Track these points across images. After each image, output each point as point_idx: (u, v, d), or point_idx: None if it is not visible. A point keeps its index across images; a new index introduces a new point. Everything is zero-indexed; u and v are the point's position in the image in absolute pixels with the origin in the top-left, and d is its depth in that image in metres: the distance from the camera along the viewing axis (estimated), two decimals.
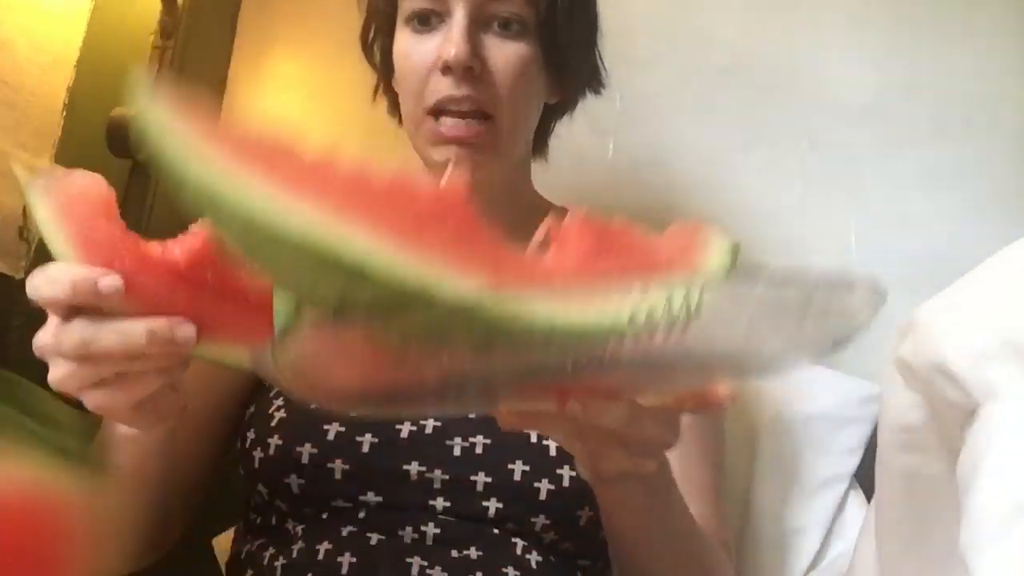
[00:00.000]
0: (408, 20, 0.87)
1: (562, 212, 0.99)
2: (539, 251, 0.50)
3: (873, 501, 0.63)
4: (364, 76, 0.98)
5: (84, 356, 0.53)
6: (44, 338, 0.55)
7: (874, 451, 0.62)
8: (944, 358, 0.50)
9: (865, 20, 1.25)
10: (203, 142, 0.41)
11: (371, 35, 0.95)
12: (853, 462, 1.06)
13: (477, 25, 0.84)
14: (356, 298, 0.40)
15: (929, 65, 1.23)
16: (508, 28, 0.85)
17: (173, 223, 0.67)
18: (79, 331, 0.52)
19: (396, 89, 0.93)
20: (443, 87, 0.84)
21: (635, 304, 0.40)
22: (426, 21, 0.85)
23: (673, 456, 0.70)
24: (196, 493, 0.88)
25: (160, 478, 0.79)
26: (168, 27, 1.28)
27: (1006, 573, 0.42)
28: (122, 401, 0.56)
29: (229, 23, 1.41)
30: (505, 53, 0.85)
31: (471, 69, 0.83)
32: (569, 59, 0.90)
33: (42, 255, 1.24)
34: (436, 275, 0.39)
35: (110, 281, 0.51)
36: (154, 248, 0.54)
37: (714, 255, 0.52)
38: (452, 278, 0.39)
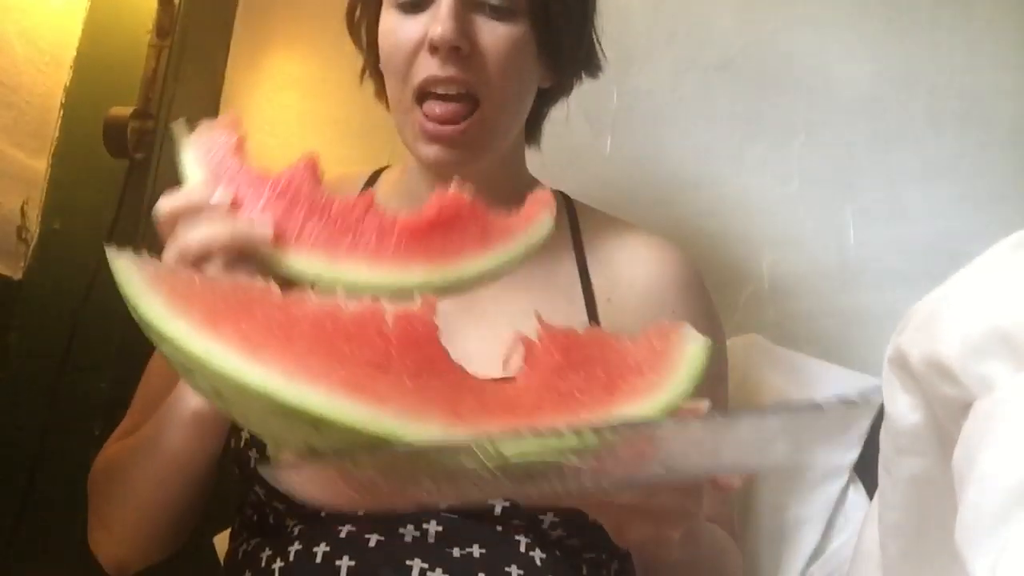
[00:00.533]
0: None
1: (557, 197, 0.99)
2: (510, 366, 0.53)
3: (875, 500, 0.63)
4: (372, 79, 0.97)
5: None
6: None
7: (874, 444, 0.62)
8: (938, 353, 0.50)
9: (861, 13, 1.25)
10: (175, 305, 0.47)
11: (357, 14, 0.93)
12: (853, 455, 1.06)
13: (467, 5, 0.82)
14: (320, 445, 0.44)
15: (925, 58, 1.23)
16: (499, 9, 0.82)
17: None
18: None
19: (383, 72, 0.90)
20: (429, 67, 0.81)
21: (590, 433, 0.42)
22: (415, 1, 0.83)
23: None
24: (211, 484, 0.87)
25: (210, 466, 0.80)
26: (164, 26, 1.28)
27: (1001, 564, 0.42)
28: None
29: (226, 22, 1.41)
30: (496, 34, 0.82)
31: (458, 49, 0.80)
32: (564, 41, 0.87)
33: (41, 256, 1.25)
34: (393, 423, 0.43)
35: (221, 197, 0.64)
36: (264, 173, 0.65)
37: (687, 359, 0.52)
38: (409, 424, 0.43)
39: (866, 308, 1.18)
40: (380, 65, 0.90)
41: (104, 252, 0.51)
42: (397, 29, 0.84)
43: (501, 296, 0.89)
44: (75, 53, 1.29)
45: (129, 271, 0.49)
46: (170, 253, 0.64)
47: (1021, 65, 1.20)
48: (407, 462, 0.43)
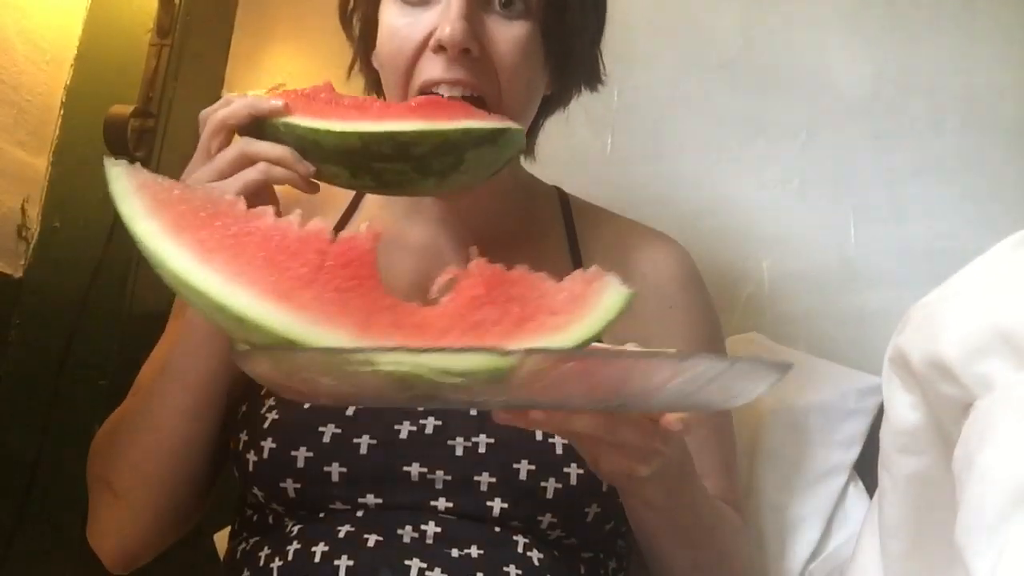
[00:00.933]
0: None
1: (552, 192, 0.99)
2: (443, 292, 0.57)
3: (875, 499, 0.63)
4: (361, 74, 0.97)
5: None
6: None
7: (874, 443, 0.62)
8: (939, 353, 0.50)
9: (861, 13, 1.25)
10: (152, 209, 0.55)
11: (351, 5, 0.90)
12: (853, 453, 1.06)
13: (478, 2, 0.78)
14: (248, 339, 0.52)
15: (926, 58, 1.23)
16: (511, 7, 0.79)
17: None
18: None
19: (376, 67, 0.87)
20: (434, 68, 0.78)
21: (453, 355, 0.47)
22: None
23: (692, 442, 0.72)
24: (217, 471, 0.87)
25: (219, 404, 0.81)
26: (165, 26, 1.28)
27: (1001, 564, 0.42)
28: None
29: (226, 21, 1.41)
30: (507, 36, 0.78)
31: (468, 51, 0.77)
32: (574, 48, 0.84)
33: (41, 254, 1.25)
34: (304, 329, 0.50)
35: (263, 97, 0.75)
36: (300, 91, 0.77)
37: (602, 305, 0.56)
38: (319, 332, 0.50)
39: (866, 308, 1.18)
40: (373, 59, 0.87)
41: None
42: (400, 24, 0.80)
43: None
44: (76, 52, 1.29)
45: (119, 177, 0.57)
46: (202, 137, 0.75)
47: (1021, 64, 1.20)
48: (310, 361, 0.50)
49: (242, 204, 0.57)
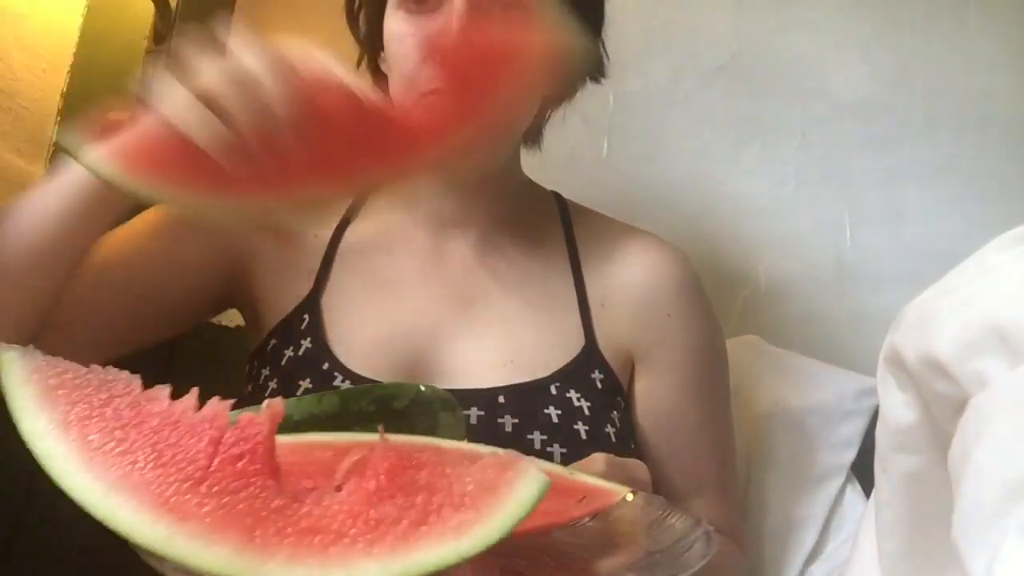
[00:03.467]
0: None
1: (550, 197, 0.99)
2: (340, 476, 0.54)
3: (872, 499, 0.63)
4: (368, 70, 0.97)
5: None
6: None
7: (871, 444, 0.62)
8: (933, 350, 0.50)
9: (857, 16, 1.26)
10: (43, 400, 0.53)
11: (356, 5, 0.92)
12: (850, 455, 1.06)
13: (477, 12, 0.80)
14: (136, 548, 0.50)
15: (921, 59, 1.23)
16: (510, 13, 0.80)
17: None
18: None
19: (384, 70, 0.89)
20: (435, 75, 0.79)
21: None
22: None
23: (687, 454, 0.71)
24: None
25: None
26: (161, 33, 1.28)
27: (998, 561, 0.42)
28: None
29: (223, 28, 1.42)
30: None
31: None
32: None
33: None
34: (185, 545, 0.47)
35: None
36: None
37: (514, 500, 0.50)
38: (200, 547, 0.47)
39: (862, 310, 1.18)
40: (381, 63, 0.89)
41: None
42: (405, 34, 0.82)
43: (495, 301, 0.89)
44: (72, 58, 1.29)
45: (11, 365, 0.54)
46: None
47: (1016, 66, 1.21)
48: (178, 570, 0.48)
49: (136, 383, 0.55)
